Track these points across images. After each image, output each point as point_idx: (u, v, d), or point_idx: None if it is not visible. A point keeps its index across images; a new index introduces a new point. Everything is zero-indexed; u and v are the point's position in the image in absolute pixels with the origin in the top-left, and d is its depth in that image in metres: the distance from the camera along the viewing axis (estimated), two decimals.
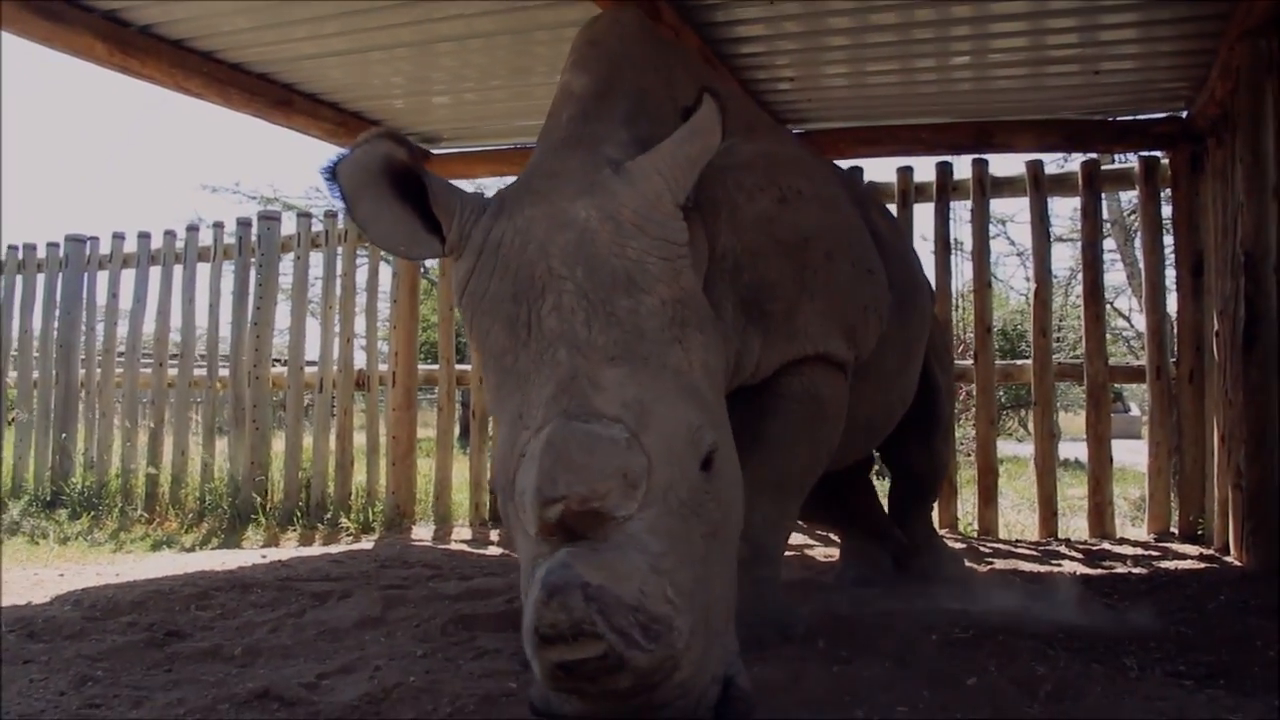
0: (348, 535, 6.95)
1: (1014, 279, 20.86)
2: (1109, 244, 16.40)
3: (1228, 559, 5.27)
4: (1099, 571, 5.03)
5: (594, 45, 3.48)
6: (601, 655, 2.10)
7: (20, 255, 9.23)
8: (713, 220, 3.13)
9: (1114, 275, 18.14)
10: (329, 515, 7.40)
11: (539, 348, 2.55)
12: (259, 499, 7.51)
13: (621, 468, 2.30)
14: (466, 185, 10.29)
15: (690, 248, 2.83)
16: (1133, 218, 7.55)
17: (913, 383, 4.42)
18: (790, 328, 3.39)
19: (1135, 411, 21.74)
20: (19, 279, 9.24)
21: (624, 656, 2.11)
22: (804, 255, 3.47)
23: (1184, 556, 5.43)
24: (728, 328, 3.06)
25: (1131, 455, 5.86)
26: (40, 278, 9.11)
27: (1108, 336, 19.21)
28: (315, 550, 6.20)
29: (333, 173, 2.81)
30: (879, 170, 6.79)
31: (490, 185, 11.57)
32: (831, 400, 3.56)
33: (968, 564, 5.11)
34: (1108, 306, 18.96)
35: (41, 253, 9.12)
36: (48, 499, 8.33)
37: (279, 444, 8.03)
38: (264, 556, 5.78)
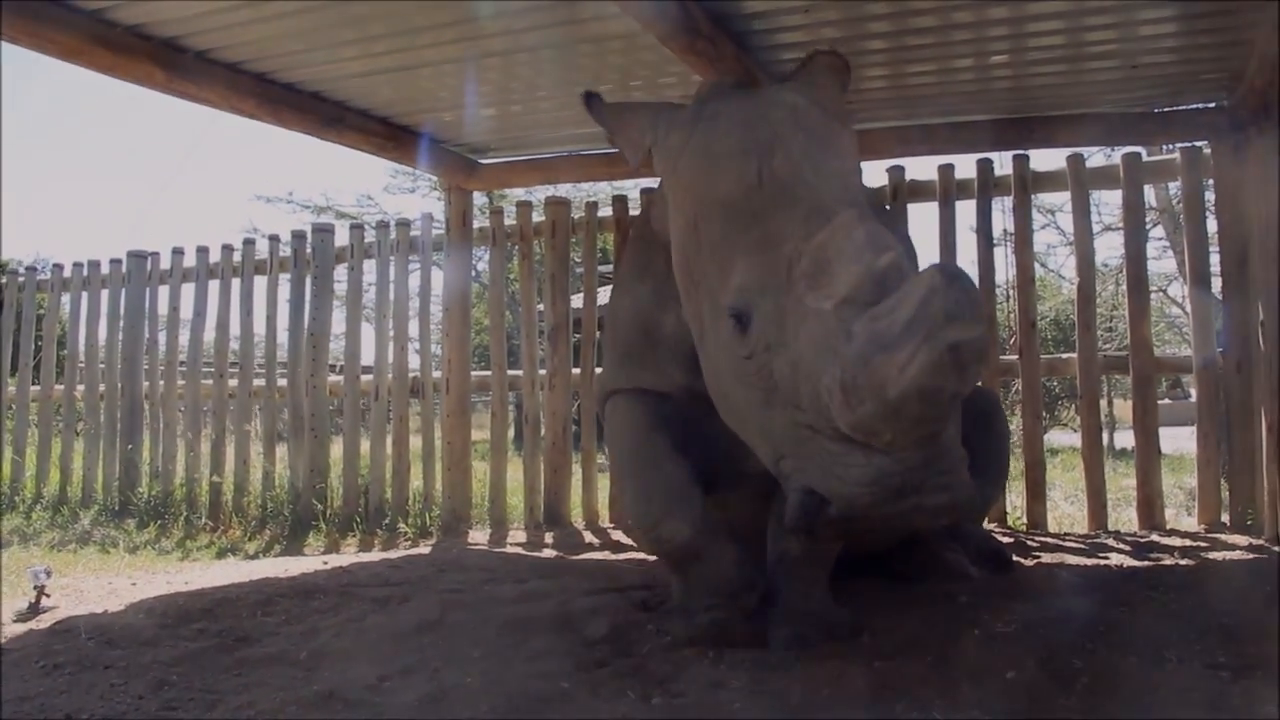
0: (406, 540, 7.10)
1: (1065, 268, 20.66)
2: (1158, 231, 16.25)
3: (1277, 549, 5.27)
4: (1146, 563, 5.05)
5: None
6: (982, 336, 2.47)
7: (85, 272, 9.52)
8: None
9: (1165, 263, 17.92)
10: (387, 520, 7.57)
11: (775, 189, 2.99)
12: (319, 506, 7.70)
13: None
14: (516, 194, 10.45)
15: None
16: (1180, 206, 7.51)
17: None
18: None
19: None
20: (84, 295, 9.52)
21: (986, 343, 2.57)
22: None
23: (1233, 547, 5.42)
24: None
25: (1193, 443, 5.92)
26: (105, 293, 9.38)
27: (1161, 324, 18.96)
28: (374, 555, 6.36)
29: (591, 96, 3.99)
30: (920, 168, 6.84)
31: (540, 192, 11.72)
32: None
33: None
34: (1161, 294, 18.83)
35: (105, 269, 9.40)
36: (116, 509, 8.58)
37: (337, 451, 8.22)
38: (325, 563, 5.95)
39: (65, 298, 9.77)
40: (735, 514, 3.80)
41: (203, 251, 8.88)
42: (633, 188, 14.07)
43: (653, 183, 7.66)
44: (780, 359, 2.80)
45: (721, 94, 3.52)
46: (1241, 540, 5.63)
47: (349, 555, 6.46)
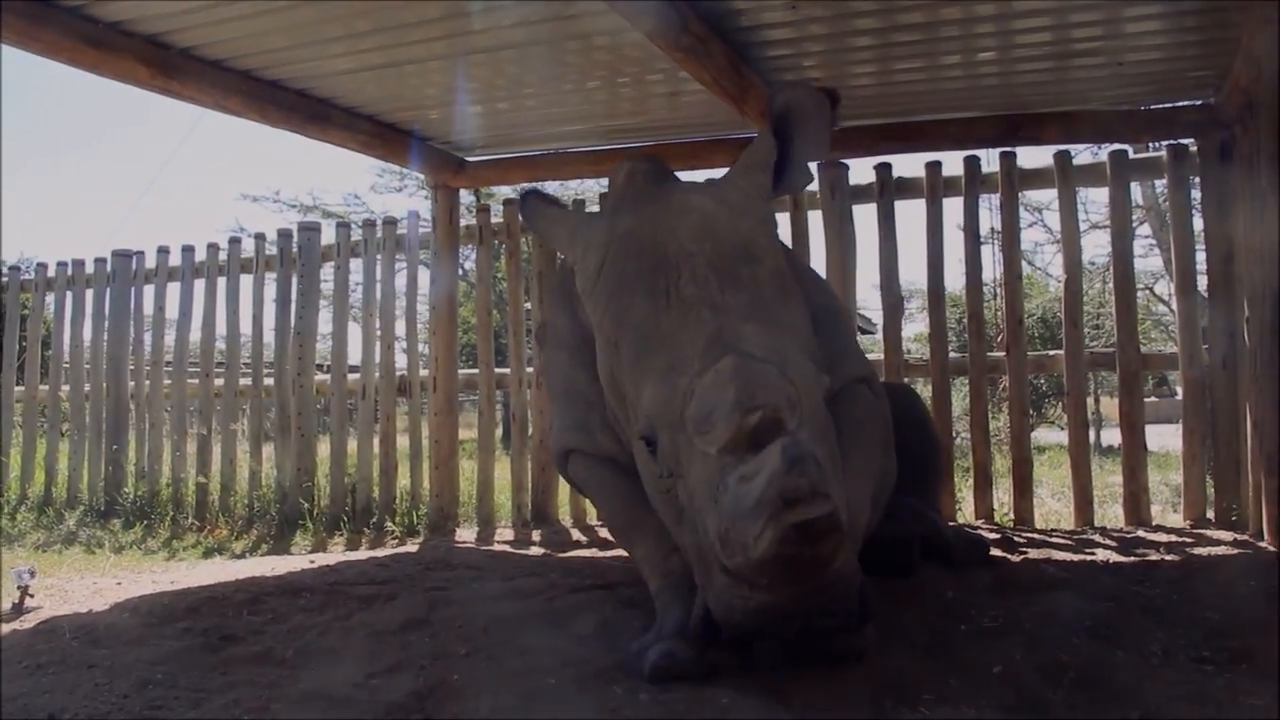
0: (393, 539, 7.09)
1: (1052, 266, 20.74)
2: (1145, 229, 16.31)
3: (1261, 544, 5.29)
4: (1132, 559, 5.07)
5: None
6: (829, 514, 2.50)
7: (70, 271, 9.47)
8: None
9: (1152, 260, 17.98)
10: (374, 519, 7.55)
11: (680, 311, 3.07)
12: (306, 505, 7.68)
13: (787, 391, 2.82)
14: (503, 191, 10.47)
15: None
16: (1167, 204, 7.55)
17: None
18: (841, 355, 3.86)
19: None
20: (69, 294, 9.47)
21: (839, 518, 2.56)
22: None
23: (1218, 543, 5.44)
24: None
25: (1179, 440, 5.97)
26: (89, 293, 9.33)
27: (1148, 322, 19.05)
28: (362, 554, 6.34)
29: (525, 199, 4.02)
30: (907, 165, 6.84)
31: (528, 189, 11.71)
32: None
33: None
34: (1147, 291, 18.91)
35: (90, 268, 9.35)
36: (102, 509, 8.54)
37: (324, 450, 8.20)
38: (312, 561, 5.94)
39: (49, 297, 9.73)
40: None
41: (188, 250, 8.84)
42: None
43: None
44: (681, 487, 2.93)
45: (633, 197, 3.57)
46: (1226, 536, 5.65)
47: (336, 554, 6.44)
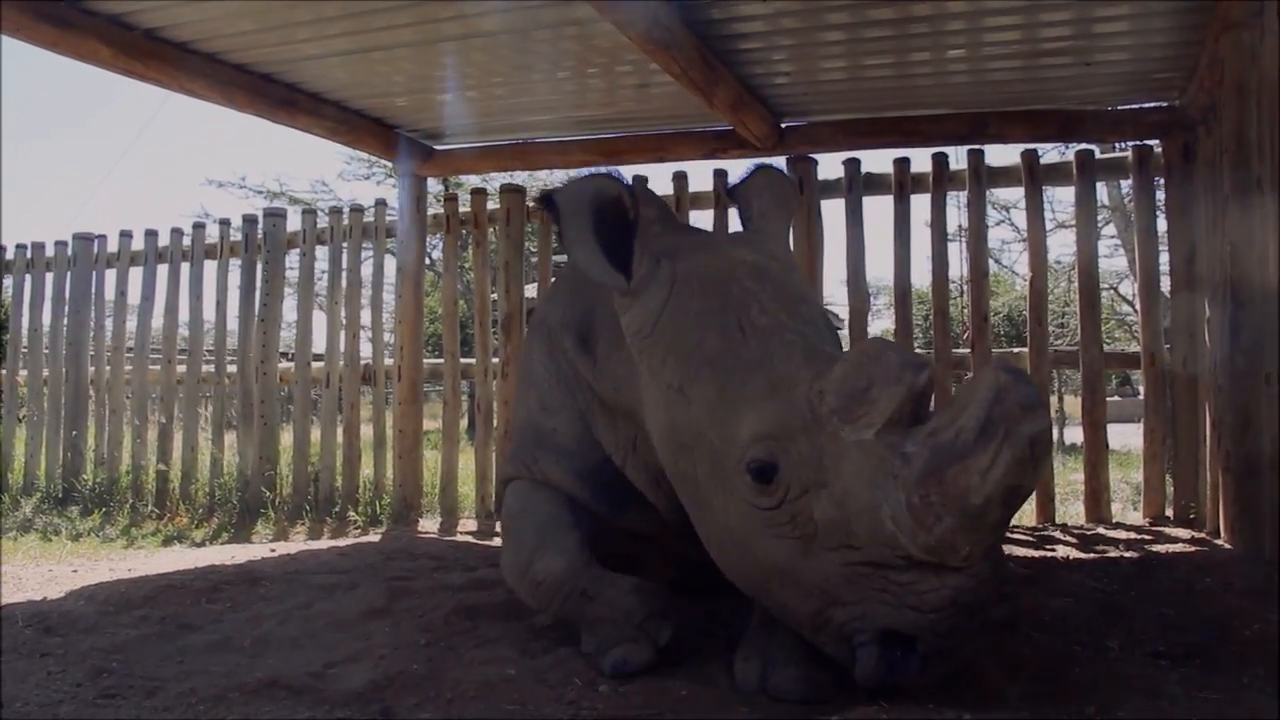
0: (355, 528, 7.05)
1: (1019, 264, 20.91)
2: (1110, 230, 16.46)
3: (1218, 542, 5.35)
4: (1092, 555, 5.11)
5: None
6: (1050, 426, 2.49)
7: (29, 254, 9.33)
8: None
9: (1117, 260, 18.15)
10: (337, 509, 7.50)
11: (761, 339, 2.98)
12: (268, 493, 7.62)
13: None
14: (471, 180, 10.40)
15: None
16: (1132, 205, 7.62)
17: None
18: None
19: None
20: (28, 278, 9.33)
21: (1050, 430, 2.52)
22: None
23: (1176, 540, 5.50)
24: None
25: (1139, 439, 6.05)
26: (49, 276, 9.20)
27: (1111, 321, 19.20)
28: (323, 543, 6.30)
29: (550, 199, 3.33)
30: (876, 161, 6.89)
31: (495, 179, 11.65)
32: None
33: None
34: (1111, 291, 19.10)
35: (50, 251, 9.22)
36: (59, 496, 8.44)
37: (287, 438, 8.13)
38: (273, 550, 5.89)
39: (8, 280, 9.59)
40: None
41: (151, 235, 8.74)
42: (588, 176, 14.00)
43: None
44: (822, 500, 2.66)
45: (686, 252, 3.38)
46: (1184, 533, 5.71)
47: (297, 543, 6.39)
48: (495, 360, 7.43)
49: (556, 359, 3.85)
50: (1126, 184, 12.14)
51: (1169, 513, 6.23)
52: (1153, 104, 6.37)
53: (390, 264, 8.46)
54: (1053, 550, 5.31)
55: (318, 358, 8.09)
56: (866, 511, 2.56)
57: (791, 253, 3.73)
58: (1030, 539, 5.69)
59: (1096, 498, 6.38)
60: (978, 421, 2.44)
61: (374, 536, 6.54)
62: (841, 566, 2.60)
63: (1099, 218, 9.87)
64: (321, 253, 8.33)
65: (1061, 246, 38.73)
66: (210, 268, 8.48)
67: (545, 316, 4.08)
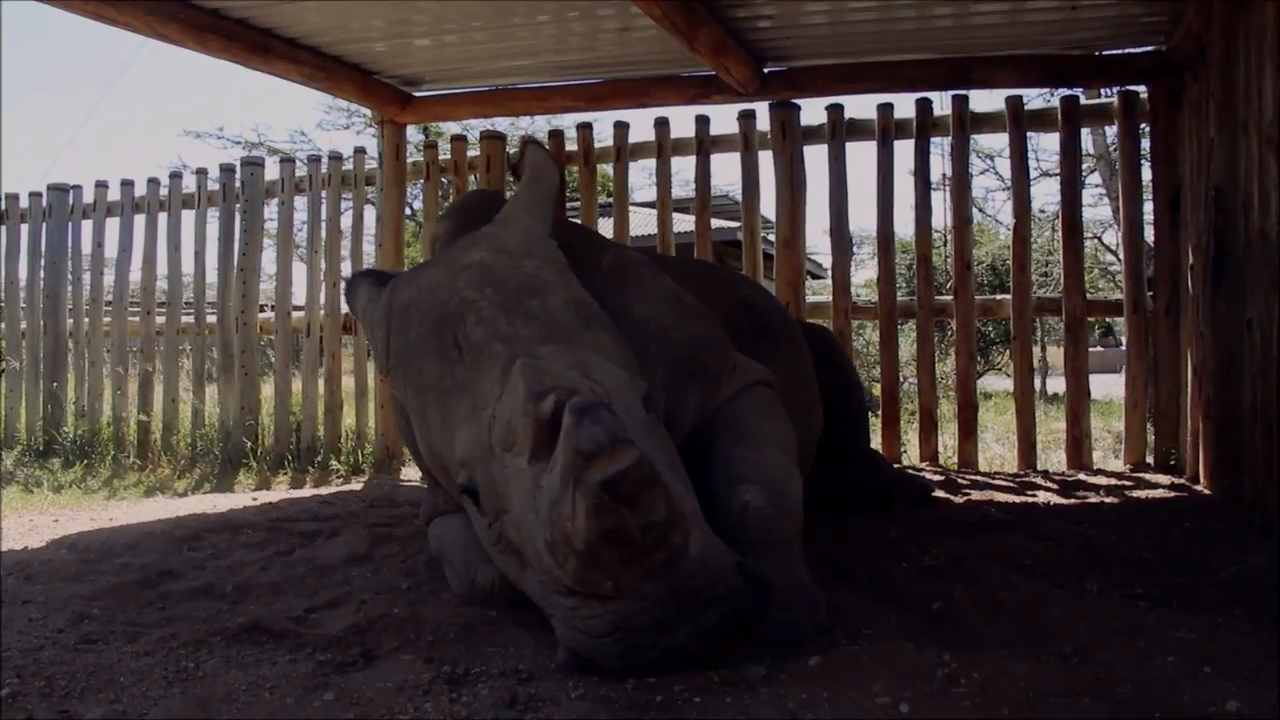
0: (338, 477, 7.04)
1: (1002, 213, 20.92)
2: (1095, 179, 16.43)
3: (1197, 488, 5.39)
4: (1072, 501, 5.14)
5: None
6: (638, 462, 2.19)
7: (4, 206, 9.22)
8: (622, 294, 3.55)
9: (1101, 210, 18.13)
10: (319, 458, 7.49)
11: (473, 355, 2.84)
12: (250, 444, 7.60)
13: (583, 381, 2.56)
14: (450, 127, 10.29)
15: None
16: (1116, 153, 7.60)
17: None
18: (731, 364, 3.59)
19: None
20: (3, 230, 9.23)
21: (656, 468, 2.23)
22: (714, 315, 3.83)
23: (1156, 486, 5.54)
24: (655, 388, 3.21)
25: (1121, 388, 6.08)
26: (24, 228, 9.10)
27: (1095, 271, 19.24)
28: (306, 492, 6.29)
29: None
30: (859, 107, 6.81)
31: (475, 125, 11.56)
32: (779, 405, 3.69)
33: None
34: (1095, 241, 19.11)
35: (24, 203, 9.11)
36: (40, 449, 8.41)
37: (268, 389, 8.10)
38: (255, 499, 5.88)
39: None
40: None
41: (128, 185, 8.64)
42: (570, 123, 13.94)
43: (588, 117, 7.59)
44: (508, 524, 2.64)
45: (407, 277, 3.30)
46: (1164, 479, 5.75)
47: (279, 492, 6.38)
48: None
49: None
50: (1112, 132, 12.10)
51: (1150, 459, 6.27)
52: (1139, 49, 6.33)
53: (370, 213, 8.40)
54: (1034, 496, 5.34)
55: (298, 308, 8.04)
56: (530, 540, 2.51)
57: (537, 234, 3.35)
58: (1012, 485, 5.72)
59: (1078, 444, 6.41)
60: (559, 467, 2.28)
61: (356, 485, 6.53)
62: (538, 585, 2.58)
63: (1084, 167, 9.84)
64: (300, 202, 8.26)
65: (1045, 195, 38.71)
66: (188, 218, 8.40)
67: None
